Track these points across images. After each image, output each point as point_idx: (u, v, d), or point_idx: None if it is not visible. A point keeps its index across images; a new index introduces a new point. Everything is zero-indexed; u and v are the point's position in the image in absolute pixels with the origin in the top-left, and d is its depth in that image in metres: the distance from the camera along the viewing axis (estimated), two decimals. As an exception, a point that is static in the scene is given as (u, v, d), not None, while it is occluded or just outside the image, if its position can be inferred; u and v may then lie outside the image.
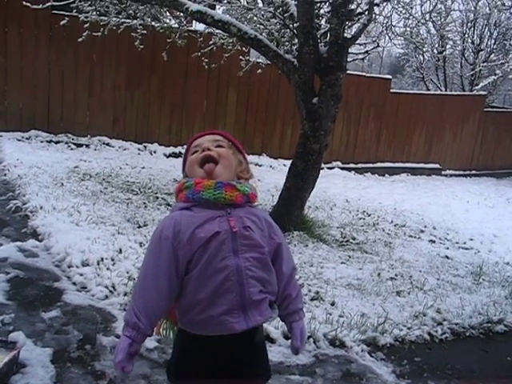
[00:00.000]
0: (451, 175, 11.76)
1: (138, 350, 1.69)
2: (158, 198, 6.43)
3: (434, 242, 6.41)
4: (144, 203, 5.99)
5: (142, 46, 7.54)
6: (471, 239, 6.62)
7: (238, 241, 1.72)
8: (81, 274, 3.57)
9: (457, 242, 6.43)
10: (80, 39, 6.80)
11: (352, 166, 10.77)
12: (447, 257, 5.77)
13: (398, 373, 3.05)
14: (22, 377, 2.41)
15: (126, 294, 3.34)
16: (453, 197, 9.17)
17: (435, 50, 15.71)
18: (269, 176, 8.78)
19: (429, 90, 16.18)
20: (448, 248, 6.21)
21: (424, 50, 14.27)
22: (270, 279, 1.80)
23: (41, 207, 4.69)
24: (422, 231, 6.78)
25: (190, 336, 1.77)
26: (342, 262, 5.01)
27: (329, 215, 6.99)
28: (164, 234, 1.69)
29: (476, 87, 14.78)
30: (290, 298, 1.91)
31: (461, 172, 12.26)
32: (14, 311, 3.00)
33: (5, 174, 5.91)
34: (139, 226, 5.14)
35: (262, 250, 1.78)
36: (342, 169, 10.56)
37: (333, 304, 3.89)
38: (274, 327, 3.19)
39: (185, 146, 2.01)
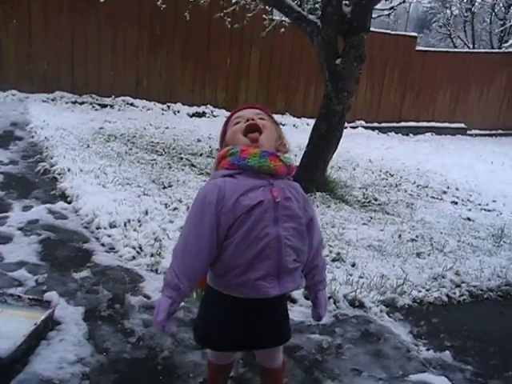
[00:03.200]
0: (476, 135, 11.57)
1: (176, 309, 1.79)
2: (182, 158, 6.52)
3: (456, 203, 6.40)
4: (168, 164, 6.09)
5: (164, 6, 7.49)
6: (494, 201, 6.59)
7: (279, 211, 1.80)
8: (109, 236, 3.70)
9: (479, 204, 6.41)
10: (102, 0, 6.78)
11: (375, 125, 10.67)
12: (469, 219, 5.78)
13: (415, 333, 3.14)
14: (58, 333, 2.55)
15: (152, 255, 3.46)
16: (477, 157, 9.07)
17: (463, 5, 15.19)
18: (292, 135, 8.60)
19: (456, 47, 15.77)
20: (470, 210, 6.21)
21: (452, 3, 13.81)
22: (303, 249, 1.90)
23: (68, 169, 4.81)
24: (445, 192, 6.76)
25: (220, 297, 1.87)
26: (363, 224, 5.07)
27: (351, 175, 7.01)
28: (208, 199, 1.76)
29: (505, 44, 14.33)
30: (317, 269, 2.01)
31: (487, 132, 12.04)
32: (47, 271, 3.15)
33: (32, 136, 6.04)
34: (164, 187, 5.25)
35: (301, 220, 1.86)
36: (366, 128, 10.48)
37: (353, 265, 3.97)
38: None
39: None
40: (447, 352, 2.93)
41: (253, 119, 1.90)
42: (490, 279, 3.91)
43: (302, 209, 1.89)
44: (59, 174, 4.77)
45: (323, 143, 5.41)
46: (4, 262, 3.17)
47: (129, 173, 5.30)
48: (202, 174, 6.00)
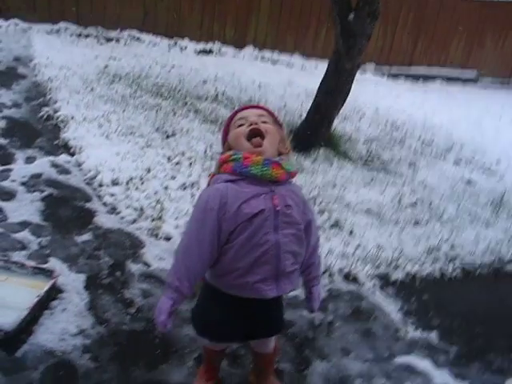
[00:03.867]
0: (488, 85, 11.31)
1: (177, 308, 1.88)
2: (186, 103, 6.42)
3: (459, 163, 6.38)
4: (173, 110, 6.01)
5: None
6: (498, 162, 6.56)
7: (279, 218, 1.84)
8: (111, 195, 3.73)
9: (482, 165, 6.39)
10: None
11: (385, 70, 10.42)
12: (470, 182, 5.78)
13: (405, 310, 3.24)
14: (60, 303, 2.65)
15: (153, 220, 3.51)
16: (486, 111, 8.90)
17: None
18: (300, 78, 8.59)
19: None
20: (473, 171, 6.19)
21: None
22: (301, 252, 1.96)
23: (72, 117, 4.78)
24: (449, 150, 6.72)
25: (219, 294, 1.95)
26: (364, 185, 5.09)
27: (356, 127, 6.94)
28: (210, 205, 1.80)
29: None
30: (313, 266, 2.08)
31: (499, 79, 11.77)
32: (50, 233, 3.21)
33: (35, 75, 5.93)
34: (167, 136, 5.23)
35: (299, 226, 1.91)
36: (375, 74, 10.24)
37: (351, 233, 4.03)
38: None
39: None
40: (433, 333, 3.04)
41: (256, 123, 1.89)
42: (484, 255, 3.99)
43: (301, 213, 1.93)
44: (62, 122, 4.73)
45: (329, 100, 5.33)
46: (8, 222, 3.22)
47: (132, 120, 5.26)
48: (206, 121, 5.95)
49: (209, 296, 2.05)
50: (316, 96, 5.47)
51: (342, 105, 5.48)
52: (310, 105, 5.57)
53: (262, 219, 1.80)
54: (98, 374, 2.34)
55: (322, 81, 5.42)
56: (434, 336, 3.03)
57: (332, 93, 5.30)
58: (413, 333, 3.02)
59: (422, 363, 2.76)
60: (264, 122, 1.92)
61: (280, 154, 1.93)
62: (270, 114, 1.99)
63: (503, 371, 2.88)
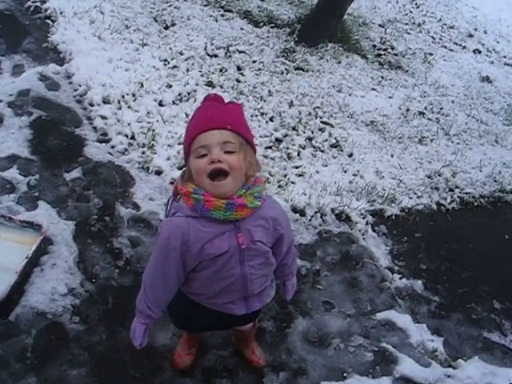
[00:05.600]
0: None
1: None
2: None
3: (479, 52, 5.96)
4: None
5: None
6: (524, 51, 6.12)
7: (245, 253, 1.78)
8: (102, 117, 3.59)
9: (504, 56, 5.97)
10: None
11: None
12: (488, 78, 5.45)
13: (394, 253, 3.27)
14: (50, 257, 2.69)
15: (143, 152, 3.42)
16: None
17: None
18: None
19: None
20: (493, 63, 5.81)
21: None
22: (271, 271, 1.93)
23: (61, 12, 4.43)
24: (471, 35, 6.24)
25: (193, 301, 1.96)
26: (372, 88, 4.83)
27: (373, 6, 6.40)
28: (171, 244, 1.72)
29: None
30: (286, 266, 2.07)
31: None
32: (39, 169, 3.16)
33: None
34: (166, 27, 4.91)
35: (267, 254, 1.85)
36: None
37: (350, 155, 3.93)
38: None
39: None
40: (419, 282, 3.10)
41: (219, 160, 1.65)
42: (486, 184, 3.90)
43: (271, 232, 1.84)
44: (50, 19, 4.40)
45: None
46: (-4, 157, 3.17)
47: (128, 9, 4.88)
48: (209, 4, 5.49)
49: (183, 299, 2.06)
50: (328, -17, 4.96)
51: (356, -6, 4.99)
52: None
53: (226, 257, 1.74)
54: (87, 336, 2.45)
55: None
56: (419, 284, 3.09)
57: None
58: (398, 281, 3.07)
59: (402, 318, 2.84)
60: (228, 152, 1.67)
61: (248, 177, 1.75)
62: (238, 132, 1.71)
63: (480, 322, 2.98)
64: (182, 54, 4.52)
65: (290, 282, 2.14)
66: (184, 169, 1.83)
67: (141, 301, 1.86)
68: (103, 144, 3.45)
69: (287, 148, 3.80)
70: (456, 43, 5.99)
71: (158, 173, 3.33)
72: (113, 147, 3.44)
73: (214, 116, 1.72)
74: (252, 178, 1.76)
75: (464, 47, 5.96)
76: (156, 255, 1.79)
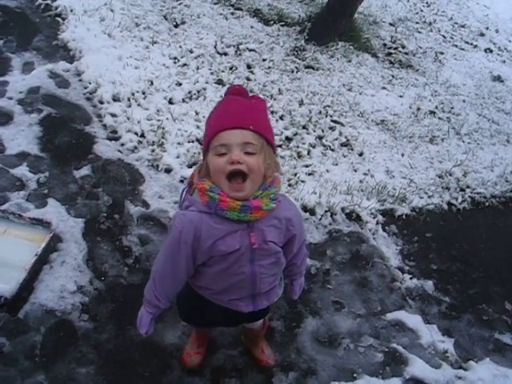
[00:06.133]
0: None
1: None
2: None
3: (491, 51, 5.90)
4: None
5: None
6: (535, 51, 6.05)
7: (256, 252, 1.76)
8: (112, 115, 3.59)
9: (517, 55, 5.92)
10: None
11: None
12: (499, 78, 5.39)
13: (405, 253, 3.24)
14: (59, 254, 2.69)
15: (153, 150, 3.41)
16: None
17: None
18: None
19: None
20: (504, 62, 5.75)
21: None
22: (280, 270, 1.92)
23: (71, 10, 4.43)
24: (482, 34, 6.18)
25: (200, 295, 1.95)
26: (383, 87, 4.80)
27: (383, 4, 6.36)
28: (183, 238, 1.71)
29: None
30: (295, 266, 2.04)
31: None
32: (48, 167, 3.16)
33: None
34: (176, 25, 4.90)
35: (278, 254, 1.83)
36: None
37: (361, 154, 3.90)
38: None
39: None
40: (429, 282, 3.07)
41: (238, 161, 1.62)
42: (497, 184, 3.86)
43: (284, 232, 1.82)
44: (60, 16, 4.40)
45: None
46: (5, 154, 3.16)
47: (138, 7, 4.87)
48: (219, 2, 5.48)
49: (191, 293, 2.04)
50: (338, -19, 4.94)
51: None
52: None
53: (237, 256, 1.73)
54: (96, 334, 2.44)
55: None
56: (429, 284, 3.06)
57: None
58: (409, 282, 3.04)
59: (413, 319, 2.82)
60: (249, 154, 1.64)
61: (266, 178, 1.72)
62: (260, 132, 1.67)
63: (492, 323, 2.95)
64: (191, 52, 4.51)
65: (298, 282, 2.12)
66: (201, 163, 1.80)
67: (149, 290, 1.85)
68: (113, 142, 3.45)
69: (297, 147, 3.78)
70: (467, 42, 5.94)
71: (168, 171, 3.32)
72: (122, 145, 3.43)
73: (236, 113, 1.67)
74: (270, 179, 1.74)
75: (475, 46, 5.90)
76: (167, 247, 1.78)
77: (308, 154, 3.76)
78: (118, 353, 2.38)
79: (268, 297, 1.92)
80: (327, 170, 3.63)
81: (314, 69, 4.75)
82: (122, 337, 2.46)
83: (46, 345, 2.36)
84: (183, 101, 3.92)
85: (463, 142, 4.25)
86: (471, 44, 5.91)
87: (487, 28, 6.30)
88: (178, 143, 3.50)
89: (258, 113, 1.73)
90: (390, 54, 5.35)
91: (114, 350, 2.38)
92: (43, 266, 2.62)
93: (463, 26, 6.23)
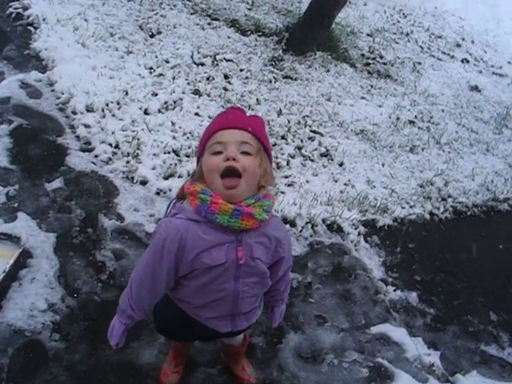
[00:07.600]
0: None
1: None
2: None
3: (467, 61, 5.94)
4: (159, -1, 5.45)
5: None
6: (509, 62, 6.11)
7: (241, 269, 1.68)
8: (85, 126, 3.48)
9: (492, 66, 5.96)
10: None
11: None
12: (477, 87, 5.42)
13: (388, 264, 3.18)
14: (29, 271, 2.55)
15: (128, 162, 3.30)
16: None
17: None
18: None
19: None
20: (481, 72, 5.79)
21: None
22: (263, 292, 1.84)
23: (43, 19, 4.32)
24: (459, 45, 6.23)
25: (178, 308, 1.84)
26: (362, 97, 4.77)
27: (360, 15, 6.38)
28: (167, 247, 1.62)
29: None
30: (278, 292, 1.96)
31: None
32: (19, 179, 3.03)
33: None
34: (152, 35, 4.82)
35: (265, 275, 1.75)
36: None
37: (341, 165, 3.85)
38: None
39: None
40: (413, 294, 3.01)
41: (234, 158, 1.56)
42: (478, 193, 3.83)
43: (272, 252, 1.74)
44: (32, 25, 4.29)
45: (330, -1, 4.80)
46: (-26, 166, 3.03)
47: (113, 17, 4.78)
48: (195, 12, 5.42)
49: (168, 305, 1.95)
50: (315, -8, 4.92)
51: (344, 3, 4.94)
52: (310, 2, 5.04)
53: (221, 270, 1.63)
54: (68, 354, 2.31)
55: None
56: (413, 296, 3.00)
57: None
58: (392, 294, 2.98)
59: (398, 332, 2.74)
60: (245, 154, 1.59)
61: (260, 187, 1.66)
62: (257, 136, 1.64)
63: (477, 335, 2.90)
64: (168, 62, 4.43)
65: (279, 310, 2.03)
66: (194, 169, 1.74)
67: (124, 299, 1.74)
68: (86, 153, 3.34)
69: (276, 157, 3.71)
70: (444, 52, 5.97)
71: (143, 183, 3.22)
72: (96, 156, 3.32)
73: (235, 117, 1.66)
74: (263, 191, 1.67)
75: (452, 56, 5.94)
76: (149, 255, 1.67)
77: (287, 164, 3.69)
78: (92, 374, 2.25)
79: (248, 318, 1.83)
80: (307, 181, 3.57)
81: (292, 79, 4.71)
82: (95, 357, 2.33)
83: (14, 367, 2.22)
84: (159, 111, 3.83)
85: (443, 151, 4.23)
86: (448, 54, 5.94)
87: (463, 39, 6.36)
88: (154, 154, 3.40)
89: (257, 122, 1.71)
90: (368, 64, 5.34)
91: (87, 371, 2.25)
92: (12, 283, 2.48)
93: (440, 37, 6.28)
